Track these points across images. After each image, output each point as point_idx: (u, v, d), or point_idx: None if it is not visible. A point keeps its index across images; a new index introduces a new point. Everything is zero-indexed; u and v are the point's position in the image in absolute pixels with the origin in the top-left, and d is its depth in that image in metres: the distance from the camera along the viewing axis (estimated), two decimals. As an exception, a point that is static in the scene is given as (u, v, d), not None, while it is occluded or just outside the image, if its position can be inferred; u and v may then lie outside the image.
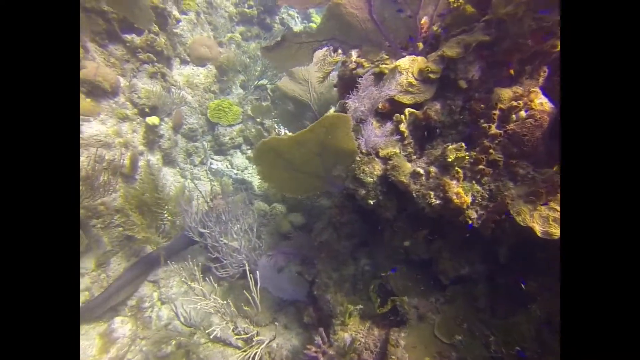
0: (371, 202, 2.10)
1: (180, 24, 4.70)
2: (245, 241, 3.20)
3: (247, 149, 4.77)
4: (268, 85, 5.04)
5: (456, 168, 1.81)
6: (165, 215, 3.47)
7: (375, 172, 2.06)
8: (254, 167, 4.75)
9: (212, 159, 4.67)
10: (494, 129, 1.76)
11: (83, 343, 2.90)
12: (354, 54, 2.56)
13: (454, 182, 1.82)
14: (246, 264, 2.93)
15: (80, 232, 3.04)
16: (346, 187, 2.14)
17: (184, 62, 4.78)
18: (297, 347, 2.73)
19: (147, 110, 3.82)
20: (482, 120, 1.81)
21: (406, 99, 2.03)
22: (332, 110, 3.27)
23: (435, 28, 2.05)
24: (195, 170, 4.46)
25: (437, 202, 1.84)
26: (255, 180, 4.66)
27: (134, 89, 3.75)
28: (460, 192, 1.78)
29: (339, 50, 2.41)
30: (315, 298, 2.65)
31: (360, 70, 2.35)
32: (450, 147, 1.85)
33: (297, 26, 6.60)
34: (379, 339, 2.11)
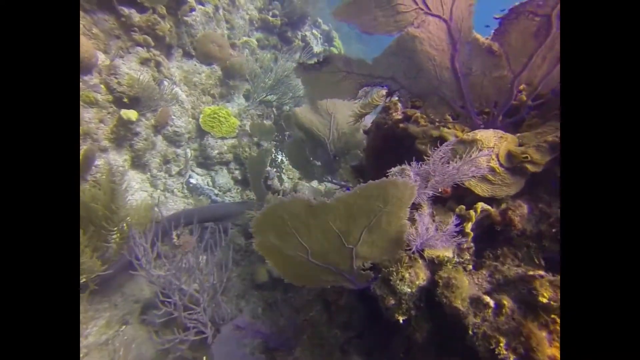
0: (400, 318, 1.41)
1: (193, 12, 3.99)
2: (207, 294, 2.39)
3: (235, 169, 4.00)
4: (274, 103, 4.36)
5: (552, 315, 1.17)
6: (114, 237, 2.61)
7: (416, 281, 1.38)
8: (237, 189, 3.98)
9: (193, 171, 3.85)
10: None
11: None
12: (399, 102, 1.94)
13: (545, 334, 1.17)
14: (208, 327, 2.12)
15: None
16: (371, 289, 1.45)
17: (187, 55, 4.04)
18: None
19: (125, 100, 3.01)
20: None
21: (481, 189, 1.40)
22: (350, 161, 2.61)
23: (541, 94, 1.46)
24: (169, 181, 3.62)
25: (511, 356, 1.17)
26: (237, 206, 3.88)
27: (115, 71, 2.94)
28: (557, 356, 1.13)
29: (394, 96, 1.77)
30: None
31: (412, 128, 1.72)
32: (541, 280, 1.20)
33: (318, 47, 6.05)
34: None
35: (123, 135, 3.13)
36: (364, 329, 2.00)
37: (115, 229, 2.55)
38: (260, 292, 3.09)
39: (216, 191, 3.86)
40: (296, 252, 1.33)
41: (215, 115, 3.82)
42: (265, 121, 4.21)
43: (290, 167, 4.34)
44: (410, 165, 1.38)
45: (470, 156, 1.33)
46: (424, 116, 1.66)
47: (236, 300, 2.98)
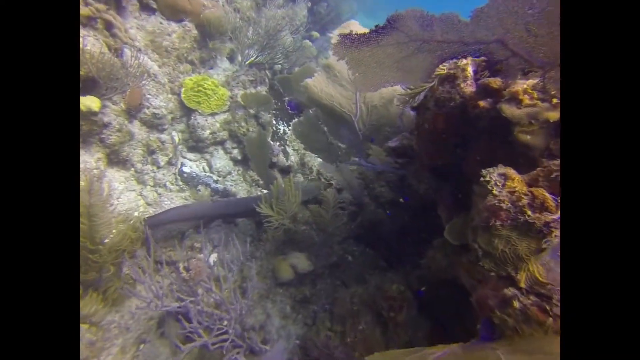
0: None
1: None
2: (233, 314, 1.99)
3: (233, 148, 3.36)
4: (267, 65, 3.54)
5: None
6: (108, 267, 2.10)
7: None
8: (238, 171, 3.40)
9: (185, 157, 3.20)
10: None
11: None
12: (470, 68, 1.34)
13: None
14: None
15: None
16: None
17: (146, 8, 3.07)
18: None
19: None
20: None
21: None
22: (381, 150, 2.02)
23: None
24: (159, 174, 3.00)
25: None
26: (242, 191, 3.34)
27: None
28: None
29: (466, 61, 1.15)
30: None
31: (508, 108, 1.15)
32: None
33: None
34: None
35: (87, 130, 2.41)
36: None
37: (105, 258, 2.02)
38: (285, 288, 2.74)
39: (215, 177, 3.27)
40: None
41: (200, 88, 3.04)
42: (259, 87, 3.45)
43: (295, 137, 3.72)
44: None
45: None
46: (533, 91, 1.08)
47: (260, 301, 2.62)
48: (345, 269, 2.83)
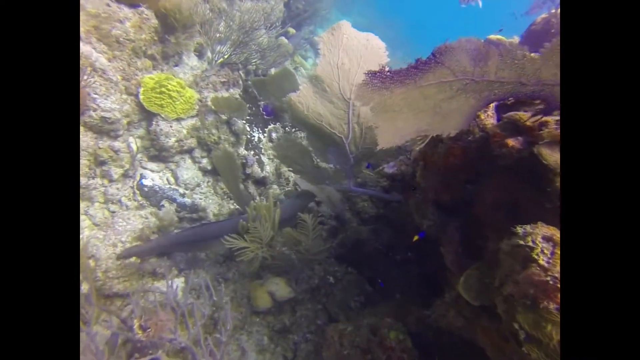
0: None
1: None
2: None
3: (202, 157, 2.96)
4: (240, 65, 3.14)
5: None
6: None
7: None
8: (208, 182, 3.01)
9: (145, 168, 2.74)
10: None
11: None
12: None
13: None
14: None
15: None
16: None
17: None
18: None
19: None
20: None
21: None
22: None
23: None
24: (111, 188, 2.52)
25: None
26: (212, 205, 2.96)
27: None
28: None
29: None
30: None
31: (547, 153, 0.96)
32: None
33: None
34: None
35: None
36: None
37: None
38: (262, 317, 2.45)
39: (181, 190, 2.85)
40: None
41: (163, 89, 2.59)
42: (231, 90, 3.05)
43: (270, 144, 3.38)
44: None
45: None
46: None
47: (234, 334, 2.31)
48: (327, 292, 2.60)
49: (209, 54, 3.05)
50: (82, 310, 1.86)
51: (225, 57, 2.89)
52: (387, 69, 0.72)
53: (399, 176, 1.71)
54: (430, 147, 1.36)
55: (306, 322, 2.45)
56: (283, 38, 4.26)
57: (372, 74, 0.74)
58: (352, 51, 1.68)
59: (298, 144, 1.98)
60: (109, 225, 2.39)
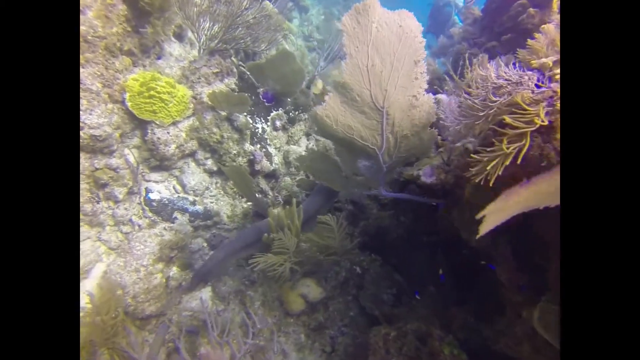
0: None
1: None
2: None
3: (206, 159, 2.71)
4: (232, 51, 2.71)
5: None
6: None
7: None
8: (216, 183, 2.81)
9: (149, 181, 2.50)
10: None
11: None
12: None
13: None
14: None
15: None
16: None
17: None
18: None
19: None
20: None
21: None
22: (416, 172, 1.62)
23: None
24: (119, 209, 2.32)
25: None
26: (225, 207, 2.80)
27: None
28: None
29: None
30: None
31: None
32: None
33: None
34: None
35: None
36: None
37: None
38: (296, 317, 2.48)
39: (191, 198, 2.66)
40: None
41: (153, 92, 2.24)
42: (226, 80, 2.68)
43: (275, 134, 3.11)
44: None
45: None
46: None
47: (272, 336, 2.34)
48: (356, 284, 2.61)
49: (190, 34, 2.59)
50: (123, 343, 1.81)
51: (214, 44, 2.47)
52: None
53: (438, 186, 1.56)
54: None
55: (339, 315, 2.49)
56: (267, 2, 3.68)
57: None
58: (384, 46, 1.40)
59: (325, 157, 1.77)
60: (126, 251, 2.24)
